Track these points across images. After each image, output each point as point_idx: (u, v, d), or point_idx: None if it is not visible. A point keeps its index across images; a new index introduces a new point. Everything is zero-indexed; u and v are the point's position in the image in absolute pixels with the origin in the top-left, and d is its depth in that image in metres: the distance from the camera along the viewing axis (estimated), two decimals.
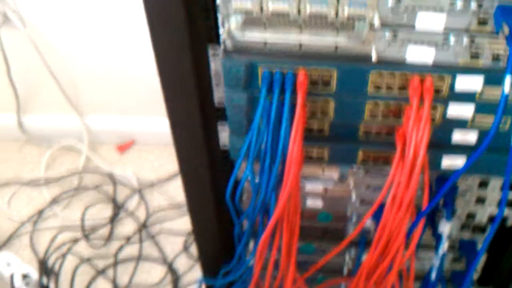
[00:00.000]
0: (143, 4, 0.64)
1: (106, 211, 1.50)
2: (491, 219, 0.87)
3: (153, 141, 1.68)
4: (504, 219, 0.86)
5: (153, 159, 1.66)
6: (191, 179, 0.89)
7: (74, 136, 1.67)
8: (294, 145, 0.67)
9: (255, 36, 0.65)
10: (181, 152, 0.84)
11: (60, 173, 1.61)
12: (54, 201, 1.53)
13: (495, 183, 0.83)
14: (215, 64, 0.72)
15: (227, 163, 0.86)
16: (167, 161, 1.64)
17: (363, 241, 0.92)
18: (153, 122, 1.66)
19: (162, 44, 0.68)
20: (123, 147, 1.68)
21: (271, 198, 0.73)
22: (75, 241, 1.41)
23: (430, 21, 0.61)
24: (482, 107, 0.67)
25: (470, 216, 0.88)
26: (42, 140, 1.70)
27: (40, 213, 1.50)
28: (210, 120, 0.80)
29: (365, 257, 0.79)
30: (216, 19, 0.67)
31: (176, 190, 1.55)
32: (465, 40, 0.62)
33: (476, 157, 0.63)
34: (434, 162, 0.74)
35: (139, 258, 1.37)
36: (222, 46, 0.68)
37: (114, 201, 1.52)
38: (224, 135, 0.82)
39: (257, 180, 0.73)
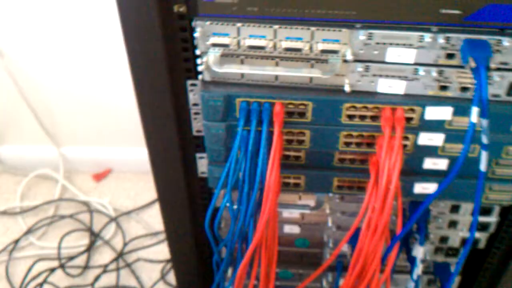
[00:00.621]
0: (123, 38, 0.66)
1: (83, 239, 1.49)
2: (464, 242, 0.90)
3: (130, 170, 1.69)
4: (476, 242, 0.89)
5: (130, 187, 1.66)
6: (170, 207, 0.90)
7: (50, 165, 1.67)
8: (272, 173, 0.69)
9: (232, 69, 0.67)
10: (160, 181, 0.85)
11: (36, 202, 1.60)
12: (30, 230, 1.52)
13: (466, 207, 0.85)
14: (194, 95, 0.73)
15: (204, 191, 0.88)
16: (143, 189, 1.65)
17: (340, 266, 0.94)
18: (129, 151, 1.67)
19: (141, 77, 0.70)
20: (100, 176, 1.68)
21: (250, 225, 0.75)
22: (52, 270, 1.40)
23: (400, 56, 0.64)
24: (452, 135, 0.70)
25: (443, 239, 0.90)
26: (18, 169, 1.69)
27: (16, 242, 1.48)
28: (188, 149, 0.81)
29: (342, 282, 0.81)
30: (194, 52, 0.69)
31: (153, 218, 1.55)
32: (434, 73, 0.65)
33: (447, 183, 0.66)
34: (406, 188, 0.76)
35: (116, 286, 1.36)
36: (200, 79, 0.70)
37: (90, 229, 1.51)
38: (202, 163, 0.83)
39: (235, 208, 0.75)
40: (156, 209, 1.57)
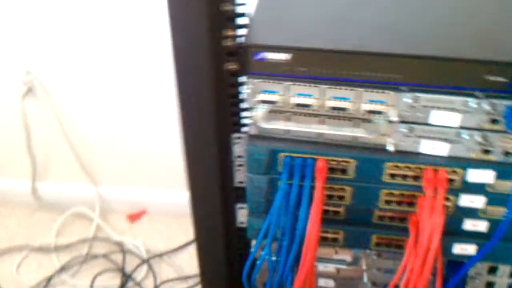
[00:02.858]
0: (177, 92, 0.68)
1: (115, 280, 1.50)
2: None
3: (164, 212, 1.71)
4: None
5: (163, 229, 1.68)
6: (206, 253, 0.91)
7: (86, 203, 1.70)
8: (313, 227, 0.70)
9: (279, 125, 0.69)
10: (199, 228, 0.86)
11: (70, 240, 1.63)
12: (63, 268, 1.54)
13: (504, 270, 0.84)
14: (238, 148, 0.76)
15: (241, 240, 0.89)
16: (176, 232, 1.66)
17: None
18: (164, 194, 1.69)
19: (191, 129, 0.73)
20: (134, 217, 1.71)
21: (288, 277, 0.75)
22: None
23: (444, 119, 0.65)
24: (493, 198, 0.70)
25: None
26: (54, 206, 1.73)
27: (49, 280, 1.50)
28: (229, 199, 0.83)
29: None
30: (238, 106, 0.72)
31: (185, 262, 1.56)
32: (477, 137, 0.66)
33: (489, 247, 0.66)
34: (445, 248, 0.76)
35: None
36: (246, 132, 0.72)
37: (122, 270, 1.53)
38: (241, 213, 0.85)
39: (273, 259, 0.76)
40: (188, 253, 1.58)
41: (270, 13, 0.72)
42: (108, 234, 1.65)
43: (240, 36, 0.67)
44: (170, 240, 1.64)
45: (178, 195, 1.64)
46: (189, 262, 1.55)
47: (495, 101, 0.63)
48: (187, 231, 1.64)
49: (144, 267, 1.54)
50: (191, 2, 0.61)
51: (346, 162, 0.70)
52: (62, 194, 1.73)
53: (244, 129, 0.74)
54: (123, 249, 1.59)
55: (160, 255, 1.58)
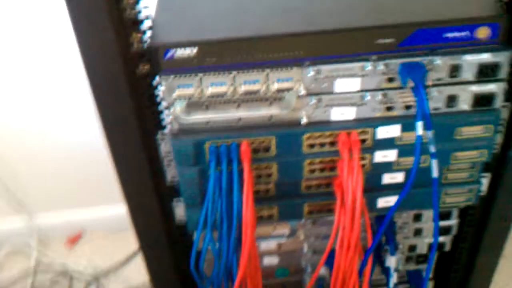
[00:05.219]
0: (94, 100, 0.70)
1: None
2: (430, 247, 0.96)
3: (103, 229, 1.70)
4: (442, 245, 0.96)
5: (105, 246, 1.67)
6: (152, 256, 0.93)
7: (22, 236, 1.67)
8: (247, 208, 0.74)
9: (199, 117, 0.73)
10: (141, 232, 0.88)
11: (12, 276, 1.60)
12: None
13: (428, 215, 0.92)
14: (165, 146, 0.79)
15: (183, 236, 0.92)
16: (119, 246, 1.66)
17: None
18: (100, 211, 1.69)
19: (114, 136, 0.75)
20: (74, 239, 1.69)
21: (233, 261, 0.79)
22: None
23: (347, 85, 0.71)
24: (403, 150, 0.77)
25: (412, 248, 0.96)
26: None
27: None
28: (165, 198, 0.86)
29: None
30: (158, 106, 0.75)
31: (132, 274, 1.56)
32: (379, 96, 0.73)
33: (404, 194, 0.72)
34: (371, 205, 0.83)
35: None
36: (169, 129, 0.75)
37: None
38: (179, 209, 0.87)
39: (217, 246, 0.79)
40: (135, 264, 1.58)
41: (171, 12, 0.75)
42: (51, 262, 1.63)
43: (148, 38, 0.70)
44: (114, 255, 1.63)
45: (114, 209, 1.65)
46: (136, 273, 1.55)
47: (388, 61, 0.70)
48: (130, 243, 1.63)
49: (93, 287, 1.53)
50: (94, 14, 0.63)
51: (267, 140, 0.75)
52: None
53: (167, 127, 0.77)
54: (68, 275, 1.58)
55: (107, 272, 1.57)
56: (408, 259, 0.99)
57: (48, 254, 1.64)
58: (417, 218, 0.93)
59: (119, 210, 1.67)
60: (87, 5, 0.62)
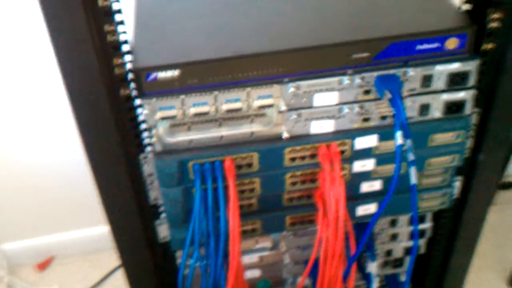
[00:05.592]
0: (75, 121, 0.71)
1: None
2: (406, 251, 0.99)
3: (73, 254, 1.68)
4: (417, 249, 0.99)
5: (76, 271, 1.65)
6: (135, 277, 0.93)
7: None
8: (234, 222, 0.76)
9: (182, 137, 0.74)
10: (124, 254, 0.88)
11: None
12: None
13: (403, 219, 0.95)
14: (147, 167, 0.79)
15: (165, 254, 0.92)
16: (90, 270, 1.64)
17: None
18: (70, 235, 1.67)
19: (97, 161, 0.75)
20: (43, 265, 1.66)
21: (221, 276, 0.80)
22: None
23: (325, 99, 0.74)
24: (381, 159, 0.80)
25: (388, 252, 0.99)
26: None
27: None
28: (148, 219, 0.86)
29: None
30: (139, 128, 0.76)
31: None
32: (356, 108, 0.75)
33: (386, 201, 0.75)
34: (351, 213, 0.85)
35: None
36: (152, 150, 0.76)
37: None
38: (161, 229, 0.88)
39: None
40: (107, 286, 1.57)
41: (149, 34, 0.76)
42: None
43: (129, 61, 0.71)
44: (85, 279, 1.61)
45: (83, 234, 1.63)
46: None
47: (364, 74, 0.72)
48: (100, 266, 1.62)
49: None
50: (76, 41, 0.64)
51: (250, 156, 0.77)
52: None
53: (149, 148, 0.78)
54: None
55: None
56: (385, 264, 1.02)
57: (19, 282, 1.61)
58: (393, 223, 0.96)
59: (90, 233, 1.66)
60: (69, 33, 0.63)
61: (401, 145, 0.70)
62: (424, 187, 0.86)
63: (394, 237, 0.98)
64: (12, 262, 1.66)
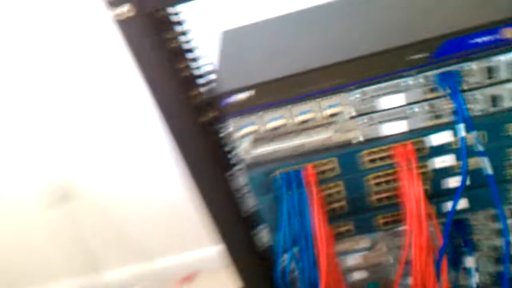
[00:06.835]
0: (178, 155, 0.82)
1: None
2: None
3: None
4: None
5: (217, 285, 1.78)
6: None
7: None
8: (319, 224, 0.82)
9: (265, 149, 0.82)
10: (241, 268, 0.97)
11: None
12: None
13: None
14: (235, 182, 0.89)
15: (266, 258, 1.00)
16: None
17: None
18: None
19: (201, 185, 0.85)
20: (187, 279, 1.83)
21: (316, 275, 0.86)
22: None
23: (393, 102, 0.78)
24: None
25: (495, 249, 0.98)
26: None
27: None
28: (246, 229, 0.94)
29: None
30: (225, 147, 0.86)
31: None
32: (425, 107, 0.79)
33: (458, 197, 0.77)
34: (438, 210, 0.87)
35: None
36: (242, 164, 0.86)
37: None
38: (260, 237, 0.96)
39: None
40: None
41: (228, 61, 0.86)
42: None
43: (211, 88, 0.81)
44: None
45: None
46: None
47: (425, 73, 0.76)
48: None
49: None
50: (166, 84, 0.76)
51: (331, 161, 0.83)
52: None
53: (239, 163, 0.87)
54: None
55: None
56: (495, 260, 1.00)
57: None
58: (496, 218, 0.95)
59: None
60: (160, 81, 0.75)
61: (464, 137, 0.72)
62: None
63: (498, 232, 0.96)
64: (162, 277, 1.85)
